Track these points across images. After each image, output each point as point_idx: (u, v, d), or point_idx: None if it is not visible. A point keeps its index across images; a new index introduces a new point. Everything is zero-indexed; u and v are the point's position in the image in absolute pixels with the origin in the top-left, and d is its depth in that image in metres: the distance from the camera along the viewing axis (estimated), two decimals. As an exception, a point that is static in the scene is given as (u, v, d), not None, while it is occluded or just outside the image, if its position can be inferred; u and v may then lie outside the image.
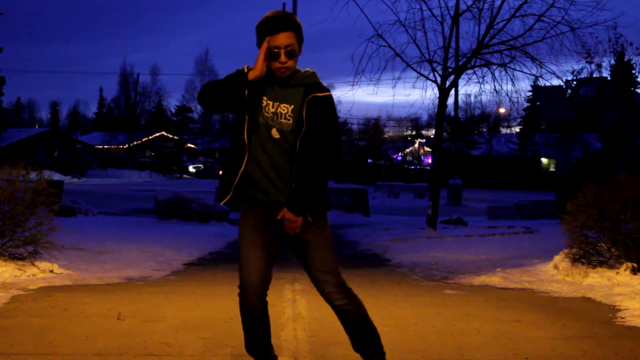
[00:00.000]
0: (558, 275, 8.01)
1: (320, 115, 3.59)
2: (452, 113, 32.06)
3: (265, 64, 3.51)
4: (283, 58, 3.49)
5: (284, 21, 3.50)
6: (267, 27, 3.49)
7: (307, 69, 3.69)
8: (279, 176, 3.59)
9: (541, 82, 15.61)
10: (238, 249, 3.71)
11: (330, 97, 3.65)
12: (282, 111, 3.58)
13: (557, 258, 8.43)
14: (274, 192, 3.60)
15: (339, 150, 3.70)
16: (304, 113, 3.56)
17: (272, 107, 3.58)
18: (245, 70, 3.56)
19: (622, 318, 5.72)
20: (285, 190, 3.58)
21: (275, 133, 3.57)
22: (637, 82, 30.56)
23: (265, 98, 3.60)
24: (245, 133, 3.59)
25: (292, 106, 3.58)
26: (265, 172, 3.59)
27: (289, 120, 3.57)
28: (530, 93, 51.13)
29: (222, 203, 3.70)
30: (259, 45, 3.54)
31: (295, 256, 3.75)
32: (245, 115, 3.59)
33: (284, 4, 31.94)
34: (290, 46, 3.50)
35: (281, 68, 3.51)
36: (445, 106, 15.38)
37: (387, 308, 6.11)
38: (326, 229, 3.71)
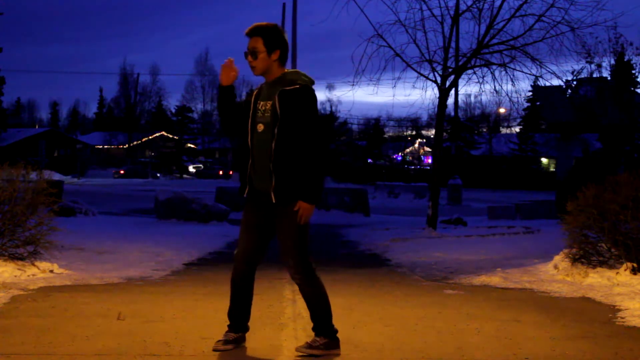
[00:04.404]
0: (558, 275, 8.01)
1: (288, 106, 4.27)
2: (452, 113, 32.09)
3: (226, 74, 4.38)
4: (249, 58, 4.37)
5: (254, 29, 4.35)
6: (246, 32, 4.36)
7: (295, 69, 4.47)
8: (260, 166, 4.32)
9: (541, 82, 15.61)
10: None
11: (300, 89, 4.29)
12: (266, 107, 4.35)
13: (557, 258, 8.43)
14: (259, 182, 4.35)
15: (323, 141, 4.34)
16: (277, 106, 4.28)
17: (263, 106, 4.38)
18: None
19: (622, 318, 5.72)
20: (265, 178, 4.29)
21: (259, 127, 4.35)
22: (637, 82, 30.51)
23: (259, 101, 4.40)
24: (249, 135, 4.37)
25: (271, 102, 4.33)
26: (253, 164, 4.37)
27: (268, 114, 4.33)
28: (530, 93, 51.12)
29: (244, 196, 4.44)
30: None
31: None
32: (249, 119, 4.38)
33: (284, 4, 31.90)
34: (254, 48, 4.33)
35: (250, 67, 4.37)
36: (445, 106, 15.36)
37: (387, 308, 6.11)
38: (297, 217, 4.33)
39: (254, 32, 4.34)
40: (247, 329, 4.58)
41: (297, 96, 4.27)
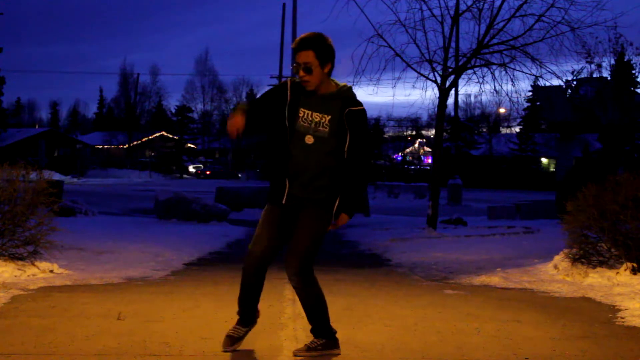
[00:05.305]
0: (558, 275, 8.02)
1: (355, 126, 4.25)
2: (452, 113, 32.11)
3: (234, 123, 4.10)
4: (301, 73, 4.18)
5: (304, 41, 4.18)
6: (294, 46, 4.20)
7: (344, 83, 4.33)
8: (306, 177, 4.23)
9: (541, 82, 15.61)
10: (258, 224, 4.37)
11: (364, 110, 4.31)
12: (320, 120, 4.23)
13: (557, 258, 8.43)
14: (299, 190, 4.25)
15: (371, 159, 4.43)
16: (345, 123, 4.22)
17: (310, 117, 4.23)
18: (289, 83, 4.26)
19: (622, 318, 5.72)
20: (307, 188, 4.24)
21: (309, 139, 4.22)
22: (637, 82, 30.51)
23: (302, 109, 4.24)
24: (288, 141, 4.21)
25: (329, 116, 4.24)
26: (296, 173, 4.23)
27: (325, 128, 4.23)
28: (530, 93, 51.14)
29: (284, 202, 4.27)
30: (293, 59, 4.29)
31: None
32: (286, 125, 4.21)
33: (284, 4, 31.91)
34: (307, 63, 4.16)
35: (302, 81, 4.20)
36: (445, 106, 15.36)
37: (387, 308, 6.11)
38: (324, 224, 4.31)
39: (304, 46, 4.17)
40: (255, 321, 4.54)
41: (361, 117, 4.28)
